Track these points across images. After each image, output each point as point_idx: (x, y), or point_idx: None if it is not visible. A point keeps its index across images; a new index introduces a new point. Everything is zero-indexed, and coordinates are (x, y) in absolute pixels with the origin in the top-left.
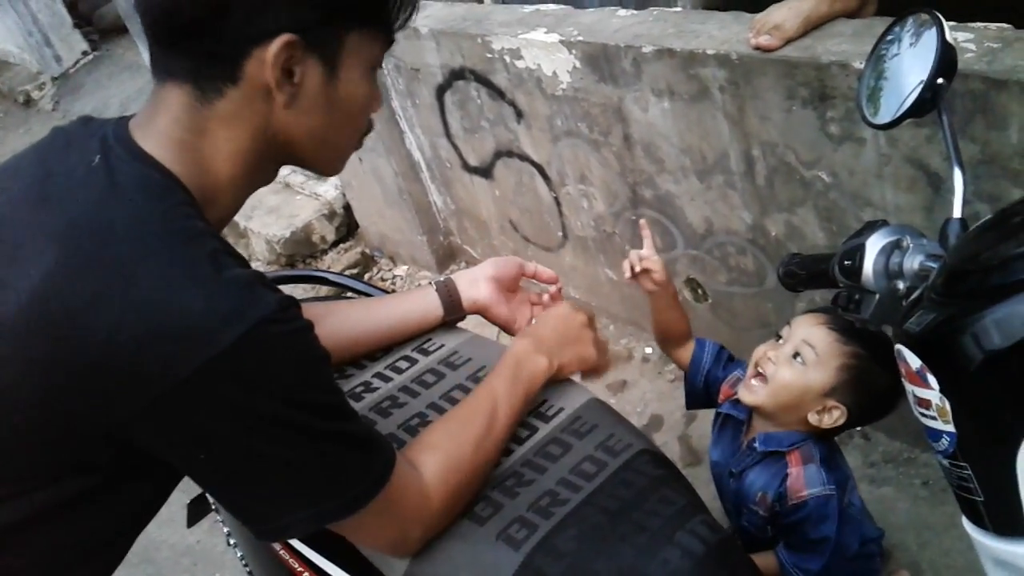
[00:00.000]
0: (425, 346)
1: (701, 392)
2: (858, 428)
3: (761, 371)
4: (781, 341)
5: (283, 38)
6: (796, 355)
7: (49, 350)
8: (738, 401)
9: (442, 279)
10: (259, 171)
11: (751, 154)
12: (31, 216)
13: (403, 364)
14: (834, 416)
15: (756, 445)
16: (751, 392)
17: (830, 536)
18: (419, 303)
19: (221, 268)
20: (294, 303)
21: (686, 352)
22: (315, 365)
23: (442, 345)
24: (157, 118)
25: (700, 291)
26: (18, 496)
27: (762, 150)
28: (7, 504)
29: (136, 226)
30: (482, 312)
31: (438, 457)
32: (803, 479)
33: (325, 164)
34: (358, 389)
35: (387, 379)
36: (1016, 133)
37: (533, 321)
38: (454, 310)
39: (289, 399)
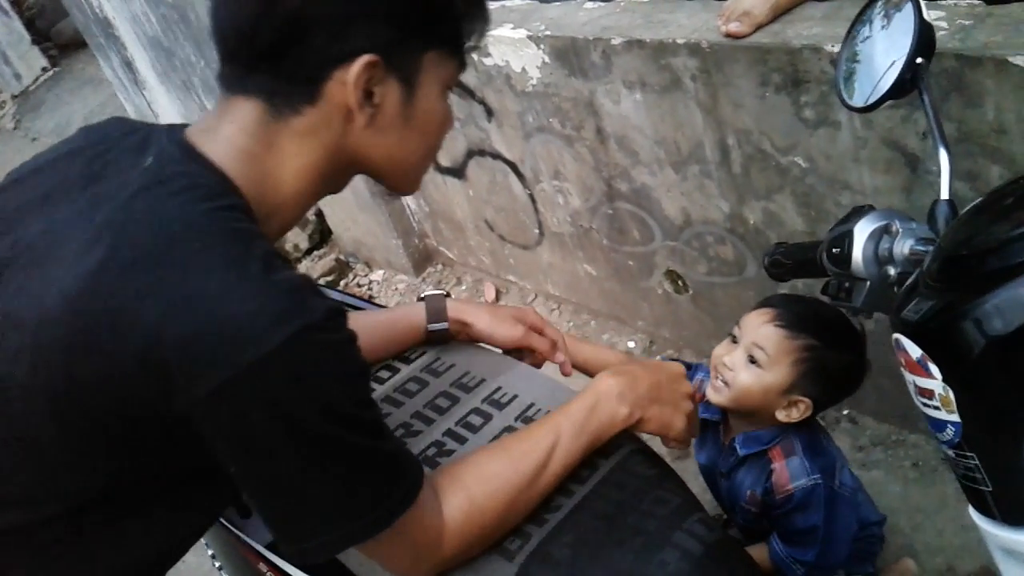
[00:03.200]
0: (406, 354)
1: None
2: (845, 412)
3: (720, 377)
4: (735, 341)
5: (365, 59)
6: (751, 358)
7: (96, 341)
8: (709, 403)
9: (440, 292)
10: (327, 184)
11: (726, 142)
12: (80, 217)
13: (384, 374)
14: (801, 409)
15: (737, 448)
16: (717, 392)
17: (818, 525)
18: (404, 312)
19: (272, 270)
20: (341, 313)
21: None
22: (355, 378)
23: (423, 352)
24: (223, 127)
25: (680, 283)
26: (61, 515)
27: (737, 138)
28: (54, 521)
29: (189, 224)
30: (465, 329)
31: (463, 502)
32: (787, 473)
33: (402, 183)
34: None
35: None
36: (992, 110)
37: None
38: (438, 317)
39: (328, 409)
